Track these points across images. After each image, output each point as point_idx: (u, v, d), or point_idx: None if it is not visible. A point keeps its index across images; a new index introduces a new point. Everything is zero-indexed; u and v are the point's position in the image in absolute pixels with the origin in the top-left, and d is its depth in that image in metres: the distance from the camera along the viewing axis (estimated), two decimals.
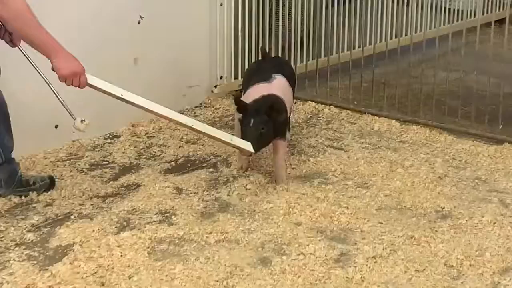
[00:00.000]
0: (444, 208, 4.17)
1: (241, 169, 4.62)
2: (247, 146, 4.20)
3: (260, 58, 5.26)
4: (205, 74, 5.83)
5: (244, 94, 4.61)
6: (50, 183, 4.29)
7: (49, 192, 4.25)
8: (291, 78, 4.79)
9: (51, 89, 3.90)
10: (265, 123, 4.23)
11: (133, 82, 5.28)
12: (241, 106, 4.30)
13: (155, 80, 5.41)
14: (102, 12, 5.06)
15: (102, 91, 3.99)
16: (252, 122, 4.23)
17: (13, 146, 4.22)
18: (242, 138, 4.26)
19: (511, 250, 3.72)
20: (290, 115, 4.69)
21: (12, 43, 3.97)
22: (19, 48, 3.95)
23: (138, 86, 5.31)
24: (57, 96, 3.91)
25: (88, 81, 3.89)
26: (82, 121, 3.96)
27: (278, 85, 4.54)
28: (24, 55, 3.91)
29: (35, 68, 3.88)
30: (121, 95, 4.01)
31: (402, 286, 3.42)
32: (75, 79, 3.81)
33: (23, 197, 4.20)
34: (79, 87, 3.85)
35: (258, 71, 4.78)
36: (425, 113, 5.54)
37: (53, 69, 3.79)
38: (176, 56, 5.56)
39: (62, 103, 3.93)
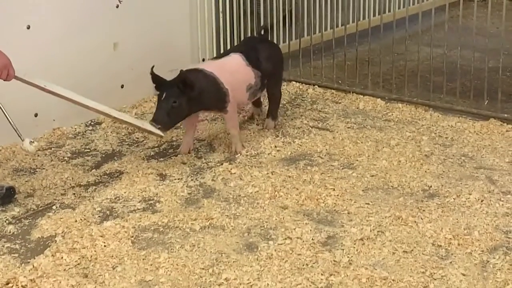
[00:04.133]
0: (431, 186, 4.13)
1: (184, 153, 4.61)
2: (156, 129, 4.28)
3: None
4: (187, 56, 5.74)
5: None
6: (5, 194, 3.99)
7: (4, 206, 3.96)
8: (266, 59, 4.78)
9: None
10: (176, 97, 4.27)
11: (113, 67, 5.23)
12: (156, 81, 4.37)
13: (136, 64, 5.33)
14: None
15: (26, 82, 3.95)
16: (164, 96, 4.29)
17: None
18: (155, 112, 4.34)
19: (500, 228, 3.69)
20: (250, 94, 4.72)
21: None
22: None
23: (118, 71, 5.27)
24: (5, 115, 3.82)
25: (16, 74, 3.81)
26: (31, 142, 3.83)
27: (222, 63, 4.61)
28: None
29: None
30: (44, 85, 4.00)
31: (391, 268, 3.37)
32: (4, 71, 3.71)
33: None
34: (5, 79, 3.75)
35: (227, 50, 5.00)
36: (410, 91, 5.49)
37: None
38: (156, 40, 5.48)
39: (10, 123, 3.82)
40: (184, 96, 4.29)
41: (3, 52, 3.70)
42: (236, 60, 4.66)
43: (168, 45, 5.56)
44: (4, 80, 3.72)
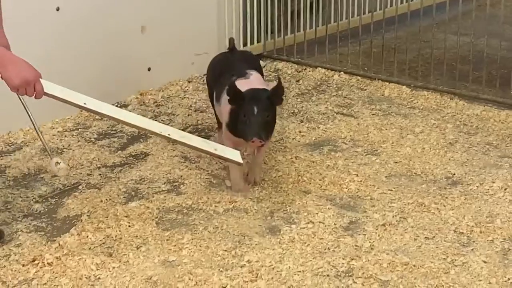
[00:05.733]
0: (454, 174, 4.13)
1: (241, 191, 3.97)
2: (235, 156, 3.65)
3: (227, 49, 4.50)
4: (214, 41, 5.76)
5: (215, 89, 4.13)
6: None
7: None
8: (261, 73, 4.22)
9: (32, 121, 3.38)
10: (269, 110, 3.74)
11: (140, 51, 5.27)
12: (237, 94, 3.75)
13: (163, 48, 5.37)
14: None
15: (61, 100, 3.35)
16: (256, 110, 3.69)
17: None
18: (243, 130, 3.71)
19: None
20: None
21: None
22: None
23: (145, 55, 5.31)
24: (36, 131, 3.43)
25: (45, 90, 3.26)
26: (57, 163, 3.33)
27: (257, 82, 3.96)
28: None
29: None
30: (84, 103, 3.36)
31: (412, 254, 3.39)
32: (29, 88, 3.19)
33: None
34: (35, 97, 3.23)
35: (229, 65, 4.20)
36: (435, 78, 5.48)
37: (2, 78, 3.19)
38: (183, 24, 5.50)
39: (41, 140, 3.50)
40: (273, 109, 3.78)
41: (28, 61, 3.24)
42: (260, 80, 4.03)
43: (195, 29, 5.58)
44: (34, 98, 3.24)
